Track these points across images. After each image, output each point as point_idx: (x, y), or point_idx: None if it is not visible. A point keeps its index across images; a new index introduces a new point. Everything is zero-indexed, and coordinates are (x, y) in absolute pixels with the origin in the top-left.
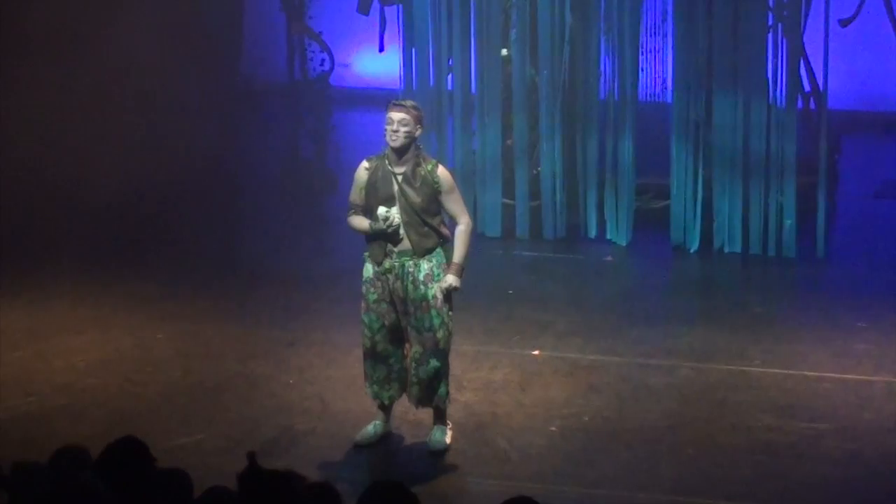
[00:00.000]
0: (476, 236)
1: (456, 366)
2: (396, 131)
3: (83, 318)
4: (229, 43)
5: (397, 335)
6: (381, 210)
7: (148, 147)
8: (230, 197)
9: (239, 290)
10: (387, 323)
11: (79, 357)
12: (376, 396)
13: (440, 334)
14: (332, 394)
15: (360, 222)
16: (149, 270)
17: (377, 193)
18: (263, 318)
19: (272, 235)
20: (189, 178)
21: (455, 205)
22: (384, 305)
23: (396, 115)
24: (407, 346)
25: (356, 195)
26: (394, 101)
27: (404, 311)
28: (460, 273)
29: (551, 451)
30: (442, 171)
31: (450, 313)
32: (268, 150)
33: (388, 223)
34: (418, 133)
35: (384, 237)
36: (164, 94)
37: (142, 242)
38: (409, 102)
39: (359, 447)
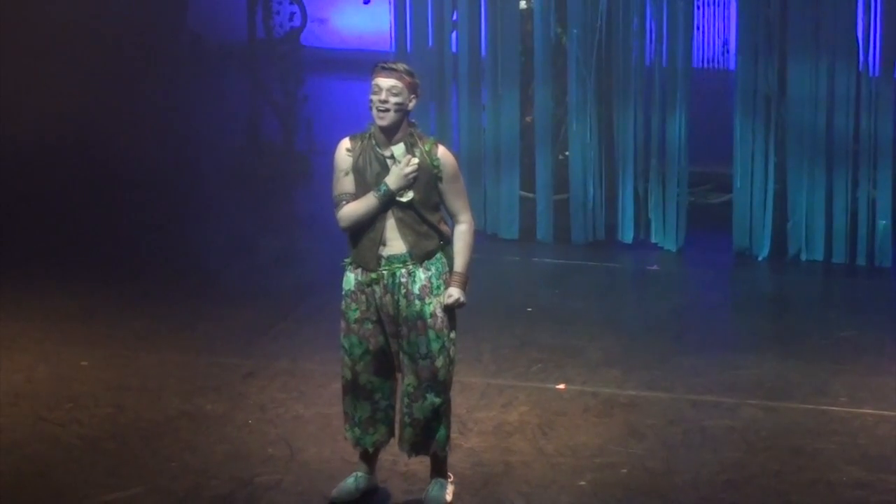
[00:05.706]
0: (486, 239)
1: (460, 403)
2: (385, 102)
3: None
4: None
5: (385, 364)
6: (398, 149)
7: (74, 118)
8: (174, 187)
9: (184, 306)
10: (372, 348)
11: None
12: (358, 442)
13: (440, 362)
14: (301, 438)
15: (361, 202)
16: (69, 279)
17: (363, 182)
18: (215, 341)
19: (227, 236)
20: (123, 162)
21: (457, 197)
22: (369, 325)
23: (386, 82)
24: (398, 377)
25: (344, 183)
26: (382, 64)
27: (395, 332)
28: (465, 285)
29: None
30: (443, 152)
31: (452, 336)
32: (222, 127)
33: (410, 168)
34: (412, 105)
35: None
36: (93, 58)
37: (61, 242)
38: (401, 66)
39: None
